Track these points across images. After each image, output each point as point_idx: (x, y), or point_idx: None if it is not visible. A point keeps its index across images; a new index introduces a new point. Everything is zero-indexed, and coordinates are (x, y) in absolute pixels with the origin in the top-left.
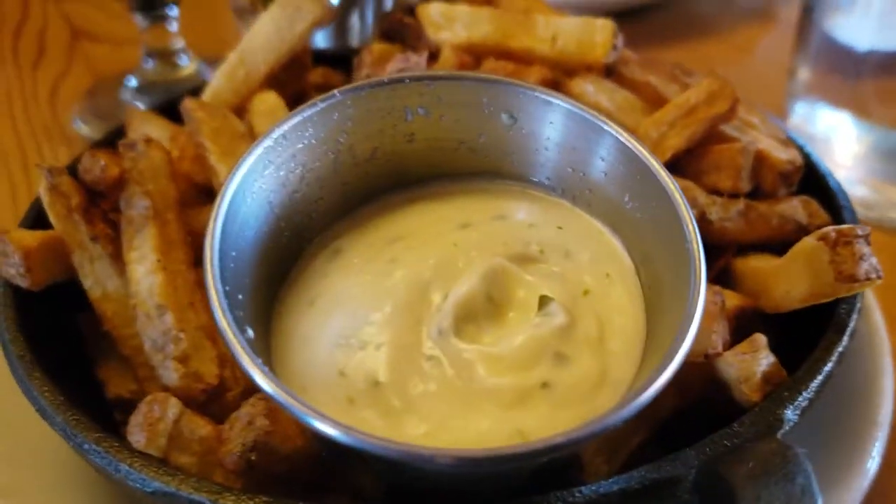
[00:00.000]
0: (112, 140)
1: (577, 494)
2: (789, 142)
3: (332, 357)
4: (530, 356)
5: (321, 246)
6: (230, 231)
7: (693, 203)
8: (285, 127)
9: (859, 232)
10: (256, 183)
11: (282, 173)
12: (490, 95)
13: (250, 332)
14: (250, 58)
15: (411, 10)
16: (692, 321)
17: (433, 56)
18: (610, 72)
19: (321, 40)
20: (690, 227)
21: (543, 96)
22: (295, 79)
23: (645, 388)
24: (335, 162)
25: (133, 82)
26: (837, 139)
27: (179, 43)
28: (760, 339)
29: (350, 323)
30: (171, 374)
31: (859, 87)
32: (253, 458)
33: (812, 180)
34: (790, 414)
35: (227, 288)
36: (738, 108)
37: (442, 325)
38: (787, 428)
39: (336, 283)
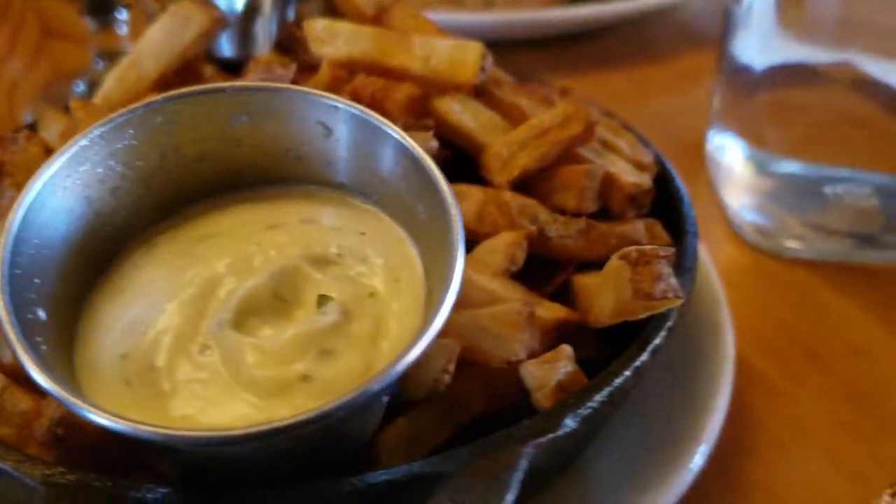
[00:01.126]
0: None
1: (347, 484)
2: (650, 166)
3: (120, 342)
4: (296, 350)
5: (142, 240)
6: (34, 220)
7: (533, 220)
8: (104, 128)
9: (661, 253)
10: (70, 178)
11: (99, 170)
12: (305, 107)
13: (42, 315)
14: (142, 62)
15: None
16: (431, 328)
17: (314, 69)
18: (481, 92)
19: (226, 48)
20: (456, 236)
21: (347, 108)
22: (187, 84)
23: (368, 384)
24: (160, 161)
25: (83, 82)
26: (737, 166)
27: (129, 45)
28: (565, 349)
29: (145, 312)
30: (4, 351)
31: (752, 111)
32: (60, 432)
33: (671, 204)
34: (570, 422)
35: (19, 272)
36: (594, 132)
37: (222, 318)
38: (561, 433)
39: (145, 275)
